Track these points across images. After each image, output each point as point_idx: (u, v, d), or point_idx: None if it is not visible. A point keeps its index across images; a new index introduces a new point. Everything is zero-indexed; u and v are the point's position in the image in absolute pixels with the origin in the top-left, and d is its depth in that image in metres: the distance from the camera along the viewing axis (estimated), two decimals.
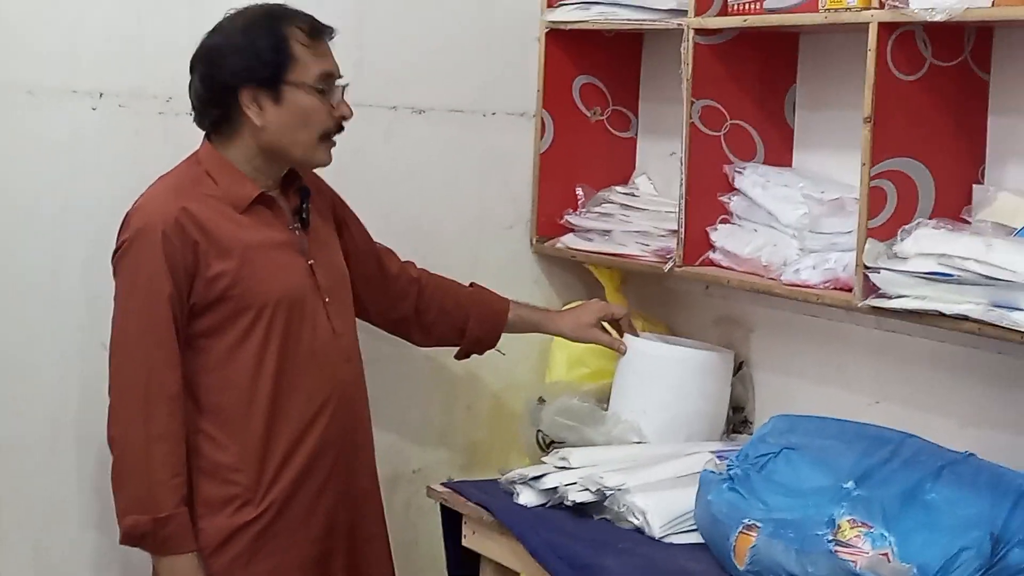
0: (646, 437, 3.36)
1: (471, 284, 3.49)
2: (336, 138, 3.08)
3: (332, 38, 3.05)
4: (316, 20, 3.03)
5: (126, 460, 2.91)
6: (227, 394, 2.96)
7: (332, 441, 3.05)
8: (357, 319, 3.27)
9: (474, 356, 3.51)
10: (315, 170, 3.19)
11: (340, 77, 3.05)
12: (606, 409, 3.47)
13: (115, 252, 2.97)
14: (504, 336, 3.50)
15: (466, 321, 3.42)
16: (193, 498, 2.95)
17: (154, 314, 2.90)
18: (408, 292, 3.38)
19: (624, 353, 3.44)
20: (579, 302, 3.72)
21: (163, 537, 2.89)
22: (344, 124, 3.05)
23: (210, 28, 3.03)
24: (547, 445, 3.43)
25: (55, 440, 3.33)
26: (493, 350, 3.51)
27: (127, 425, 2.90)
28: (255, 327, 2.96)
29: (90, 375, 3.19)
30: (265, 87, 2.96)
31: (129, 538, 2.91)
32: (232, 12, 3.03)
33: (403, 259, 3.42)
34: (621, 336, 3.47)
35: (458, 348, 3.49)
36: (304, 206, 3.10)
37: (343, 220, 3.29)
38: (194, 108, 3.04)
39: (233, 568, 2.97)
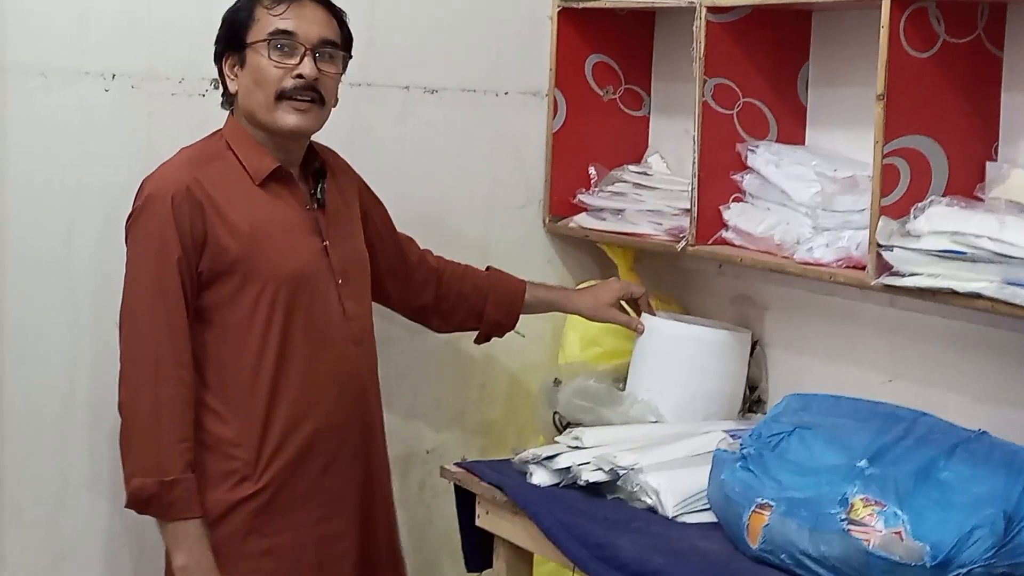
0: (663, 417, 3.36)
1: (487, 268, 3.50)
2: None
3: (324, 2, 3.04)
4: None
5: (135, 424, 2.91)
6: (232, 368, 2.97)
7: (337, 424, 3.05)
8: (378, 305, 3.28)
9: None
10: (339, 152, 3.22)
11: (330, 45, 3.01)
12: (622, 389, 3.47)
13: (128, 218, 2.99)
14: (521, 317, 3.50)
15: (484, 305, 3.43)
16: (204, 467, 2.95)
17: (164, 280, 2.91)
18: (428, 281, 3.39)
19: (642, 333, 3.44)
20: (594, 281, 3.72)
21: (169, 501, 2.88)
22: (315, 87, 2.98)
23: (220, 7, 3.07)
24: (564, 426, 3.43)
25: (68, 418, 3.34)
26: (512, 332, 3.52)
27: (136, 389, 2.91)
28: (260, 302, 2.96)
29: (102, 354, 3.19)
30: (235, 52, 3.01)
31: (135, 502, 2.90)
32: None
33: (420, 244, 3.42)
34: (638, 316, 3.47)
35: (477, 332, 3.49)
36: (320, 186, 3.10)
37: (369, 208, 3.29)
38: None
39: (230, 542, 2.96)
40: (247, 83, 3.00)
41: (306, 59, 2.97)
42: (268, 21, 2.98)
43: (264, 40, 2.96)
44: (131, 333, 2.94)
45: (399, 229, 3.40)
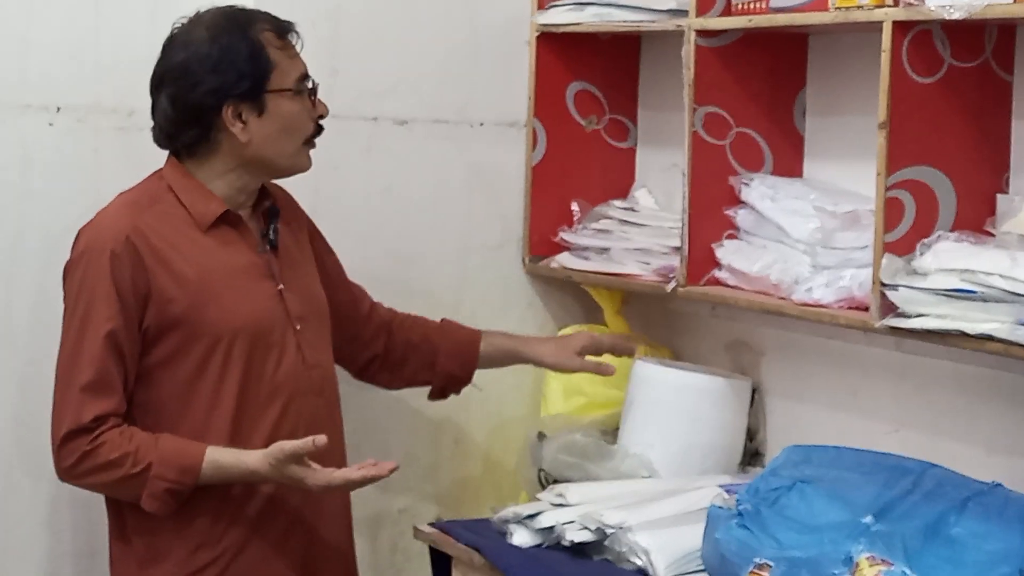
0: (657, 472, 3.37)
1: (442, 320, 3.50)
2: (312, 153, 3.11)
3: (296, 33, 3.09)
4: (278, 18, 3.07)
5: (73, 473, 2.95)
6: (181, 432, 2.95)
7: None
8: None
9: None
10: (292, 194, 3.23)
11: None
12: (610, 442, 3.48)
13: (65, 265, 3.01)
14: (493, 371, 3.50)
15: (435, 355, 3.41)
16: (150, 541, 2.97)
17: (83, 342, 2.93)
18: (379, 332, 3.40)
19: (610, 374, 3.43)
20: (576, 327, 3.74)
21: (166, 485, 2.90)
22: (322, 124, 3.09)
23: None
24: (550, 484, 3.44)
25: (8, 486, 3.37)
26: (470, 386, 3.50)
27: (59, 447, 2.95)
28: (211, 359, 2.97)
29: (43, 407, 3.18)
30: (248, 100, 3.00)
31: (163, 506, 2.92)
32: (186, 21, 3.03)
33: (381, 287, 3.44)
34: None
35: (430, 387, 3.47)
36: (272, 227, 3.11)
37: (321, 253, 3.31)
38: (162, 129, 3.04)
39: None
40: (270, 131, 3.01)
41: (318, 99, 3.08)
42: (287, 65, 3.04)
43: (292, 88, 3.03)
44: (55, 390, 2.97)
45: (367, 272, 3.41)
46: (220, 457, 2.91)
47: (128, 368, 2.95)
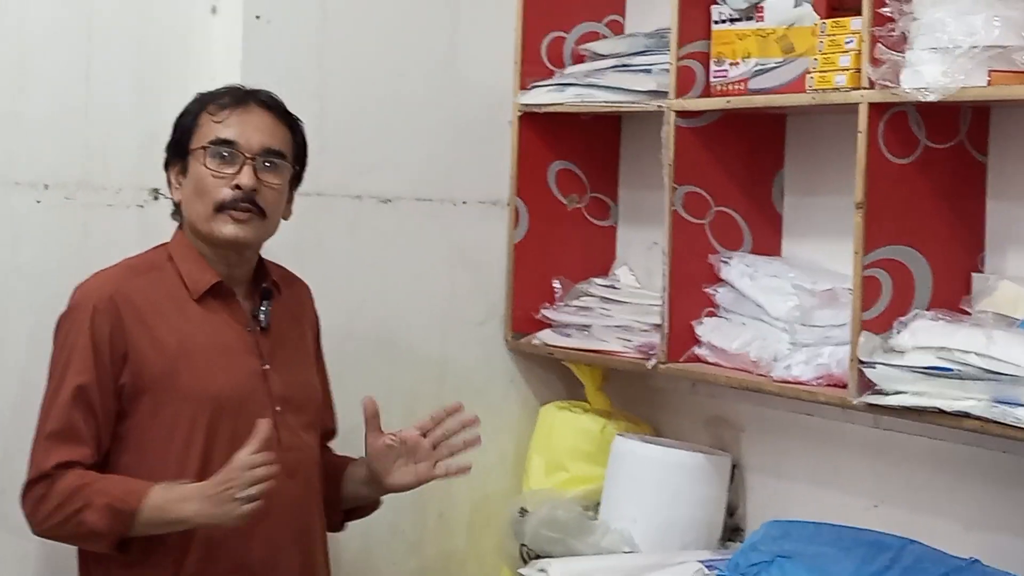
0: (638, 547, 3.36)
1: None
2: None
3: (274, 109, 3.05)
4: (239, 90, 3.06)
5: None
6: None
7: (263, 562, 2.98)
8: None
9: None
10: (278, 267, 3.21)
11: (274, 154, 3.01)
12: (592, 517, 3.47)
13: (57, 319, 3.02)
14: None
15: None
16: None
17: (56, 394, 2.93)
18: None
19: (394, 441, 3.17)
20: (558, 403, 3.75)
21: (107, 500, 2.86)
22: (254, 199, 2.98)
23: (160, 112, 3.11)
24: (532, 559, 3.42)
25: None
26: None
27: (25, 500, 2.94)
28: (179, 421, 2.94)
29: (19, 474, 3.15)
30: (179, 160, 3.04)
31: (101, 519, 2.86)
32: None
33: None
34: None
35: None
36: (263, 308, 3.09)
37: (315, 360, 3.27)
38: None
39: None
40: (188, 192, 3.02)
41: (245, 169, 2.98)
42: (210, 128, 3.00)
43: (203, 148, 2.99)
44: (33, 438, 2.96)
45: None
46: (170, 485, 2.88)
47: (100, 422, 2.94)
